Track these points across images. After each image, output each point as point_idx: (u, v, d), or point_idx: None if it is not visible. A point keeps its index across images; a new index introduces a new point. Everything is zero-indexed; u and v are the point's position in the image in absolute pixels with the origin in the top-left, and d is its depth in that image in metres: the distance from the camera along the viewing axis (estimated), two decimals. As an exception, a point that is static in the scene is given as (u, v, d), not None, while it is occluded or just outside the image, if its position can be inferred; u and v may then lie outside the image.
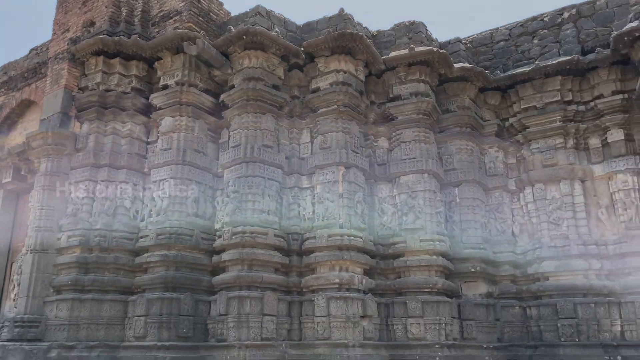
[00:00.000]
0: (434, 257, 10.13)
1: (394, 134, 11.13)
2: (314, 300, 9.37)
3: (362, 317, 9.36)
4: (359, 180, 10.36)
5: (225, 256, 9.53)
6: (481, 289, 10.56)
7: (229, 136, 10.46)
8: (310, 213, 10.24)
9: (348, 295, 9.27)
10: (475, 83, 11.53)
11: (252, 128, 10.09)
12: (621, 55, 10.34)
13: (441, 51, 10.82)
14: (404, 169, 10.73)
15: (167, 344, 8.83)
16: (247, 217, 9.56)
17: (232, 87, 10.54)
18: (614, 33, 10.12)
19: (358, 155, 10.44)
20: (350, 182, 10.11)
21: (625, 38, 9.86)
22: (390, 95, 11.25)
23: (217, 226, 10.03)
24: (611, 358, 9.35)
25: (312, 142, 10.72)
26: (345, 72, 10.57)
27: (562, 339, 9.82)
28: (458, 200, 11.19)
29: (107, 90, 10.77)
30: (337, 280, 9.37)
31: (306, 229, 10.14)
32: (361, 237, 9.86)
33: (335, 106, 10.40)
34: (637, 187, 10.21)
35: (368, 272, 10.02)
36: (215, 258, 9.76)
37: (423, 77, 11.04)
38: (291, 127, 10.86)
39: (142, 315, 9.20)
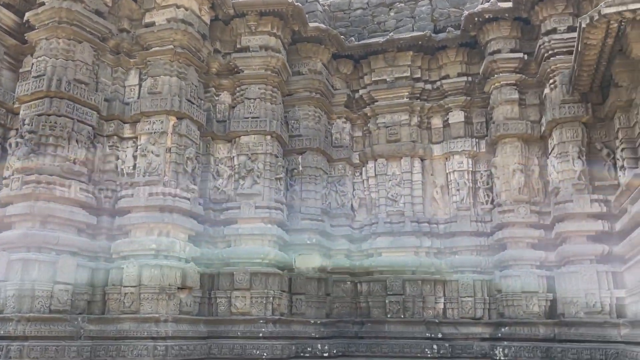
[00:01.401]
0: (269, 225, 9.33)
1: (238, 88, 10.04)
2: (123, 267, 7.97)
3: (181, 288, 8.21)
4: (193, 134, 9.09)
5: (11, 210, 7.66)
6: (315, 263, 10.02)
7: (33, 65, 8.44)
8: (131, 167, 8.77)
9: (165, 263, 8.04)
10: (329, 47, 10.88)
11: (62, 57, 8.23)
12: (470, 37, 10.42)
13: (296, 4, 9.92)
14: (246, 128, 9.72)
15: None
16: (46, 164, 7.77)
17: (42, 4, 8.51)
18: (466, 13, 10.11)
19: (194, 107, 9.15)
20: (182, 136, 8.81)
21: (476, 19, 9.89)
22: (238, 46, 10.13)
23: (6, 173, 8.06)
24: (432, 335, 9.41)
25: (140, 85, 9.16)
26: (186, 9, 9.15)
27: (389, 316, 9.69)
28: (301, 169, 10.53)
29: None
30: (154, 246, 8.09)
31: (123, 185, 8.65)
32: (189, 199, 8.65)
33: (171, 46, 8.96)
34: (471, 169, 10.41)
35: (194, 239, 8.87)
36: (-1, 212, 7.81)
37: (275, 31, 10.08)
38: (116, 64, 9.16)
39: None
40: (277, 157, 9.87)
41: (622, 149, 8.15)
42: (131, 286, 7.89)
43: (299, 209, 10.27)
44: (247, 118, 9.75)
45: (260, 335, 8.48)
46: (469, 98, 10.68)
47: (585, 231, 8.45)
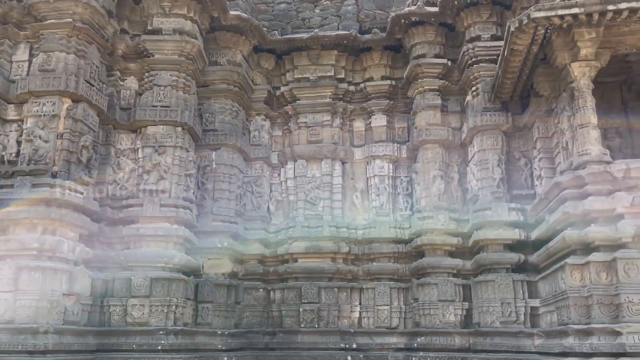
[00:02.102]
0: (175, 226, 8.47)
1: (147, 74, 9.12)
2: (-3, 270, 6.80)
3: (67, 295, 7.15)
4: (91, 120, 8.07)
5: None
6: (225, 268, 9.28)
7: None
8: (13, 154, 7.67)
9: (49, 265, 6.97)
10: (251, 39, 10.24)
11: None
12: (395, 39, 10.18)
13: (216, -13, 9.21)
14: (154, 118, 8.81)
15: None
16: None
17: None
18: (392, 14, 9.88)
19: (94, 89, 8.12)
20: (77, 121, 7.78)
21: (402, 21, 9.67)
22: (149, 28, 9.21)
23: None
24: (347, 345, 8.96)
25: (30, 62, 8.05)
26: (90, -20, 8.14)
27: (302, 325, 9.13)
28: (214, 166, 9.76)
29: None
30: (36, 245, 6.99)
31: (3, 175, 7.48)
32: (82, 193, 7.61)
33: (70, 19, 7.92)
34: (392, 174, 10.16)
35: (86, 239, 7.84)
36: None
37: (191, 15, 9.26)
38: (2, 36, 8.01)
39: None
40: (188, 151, 9.04)
41: (540, 159, 8.19)
42: (5, 292, 6.74)
43: (211, 209, 9.49)
44: (156, 107, 8.84)
45: (159, 347, 7.57)
46: (392, 102, 10.46)
47: (503, 239, 8.39)
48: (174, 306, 7.95)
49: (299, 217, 9.99)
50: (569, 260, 6.36)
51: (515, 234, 8.36)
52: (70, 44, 7.93)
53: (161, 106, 8.85)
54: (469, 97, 9.41)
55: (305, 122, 10.51)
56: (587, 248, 6.36)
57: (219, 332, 8.66)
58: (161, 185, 8.56)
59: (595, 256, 6.16)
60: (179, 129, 8.88)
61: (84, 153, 7.83)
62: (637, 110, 7.86)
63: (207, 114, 9.93)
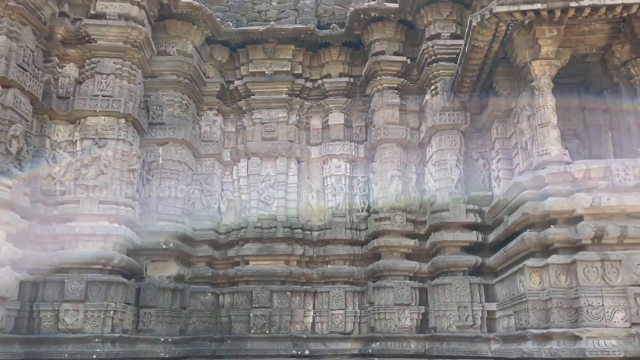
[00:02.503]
0: (116, 225, 7.87)
1: (88, 61, 8.49)
2: None
3: (-10, 299, 6.45)
4: (23, 108, 7.38)
5: None
6: (171, 271, 8.72)
7: None
8: None
9: (-31, 266, 6.26)
10: (203, 29, 9.74)
11: None
12: (354, 36, 9.92)
13: (166, -28, 8.68)
14: (95, 108, 8.20)
15: None
16: None
17: None
18: (352, 9, 9.59)
19: (27, 75, 7.44)
20: (7, 108, 7.09)
21: (362, 16, 9.40)
22: (92, 12, 8.60)
23: None
24: (299, 352, 8.57)
25: (-46, 42, 7.26)
26: (25, -44, 7.46)
27: (253, 331, 8.68)
28: (161, 162, 9.21)
29: None
30: (-46, 245, 6.27)
31: None
32: (10, 187, 6.91)
33: (1, -3, 7.21)
34: (349, 174, 9.86)
35: (15, 238, 7.11)
36: None
37: (139, 0, 8.68)
38: None
39: None
40: (132, 145, 8.45)
41: (498, 160, 8.07)
42: None
43: (156, 208, 8.92)
44: (97, 96, 8.23)
45: (94, 356, 6.96)
46: (350, 100, 10.17)
47: (460, 241, 8.21)
48: (112, 311, 7.35)
49: (251, 218, 9.53)
50: (528, 262, 6.18)
51: (473, 236, 8.19)
52: (2, 25, 7.23)
53: (103, 96, 8.24)
54: (427, 96, 9.21)
55: (260, 119, 10.08)
56: (547, 250, 6.20)
57: (162, 339, 8.08)
58: (101, 181, 7.94)
59: (554, 258, 5.99)
60: (122, 120, 8.29)
61: (13, 143, 7.13)
62: (594, 112, 7.84)
63: (155, 107, 9.35)
